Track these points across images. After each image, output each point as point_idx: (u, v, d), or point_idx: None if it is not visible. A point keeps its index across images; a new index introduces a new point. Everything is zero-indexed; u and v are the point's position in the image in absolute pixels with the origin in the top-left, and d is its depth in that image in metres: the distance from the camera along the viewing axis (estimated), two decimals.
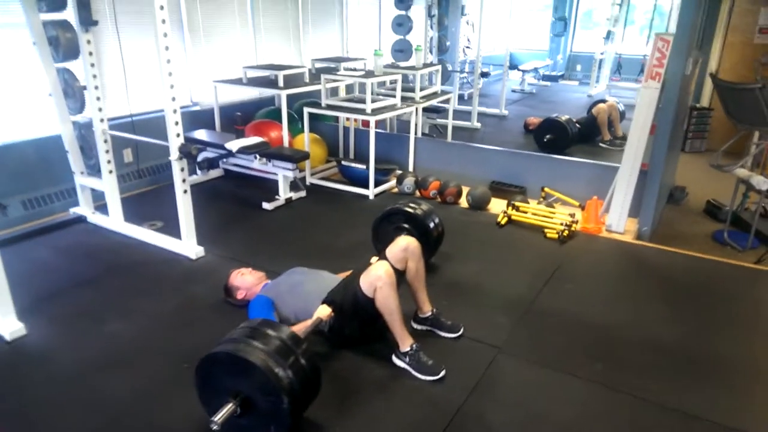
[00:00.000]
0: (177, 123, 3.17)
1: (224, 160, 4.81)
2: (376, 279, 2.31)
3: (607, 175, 4.15)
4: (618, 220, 3.88)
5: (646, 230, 3.86)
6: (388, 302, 2.31)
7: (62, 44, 3.39)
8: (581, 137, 5.94)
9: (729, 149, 4.16)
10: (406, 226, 3.19)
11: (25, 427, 2.11)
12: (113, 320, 2.77)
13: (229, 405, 1.87)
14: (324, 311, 2.38)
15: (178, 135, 3.19)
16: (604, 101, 6.60)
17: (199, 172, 4.94)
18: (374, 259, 2.79)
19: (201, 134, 4.80)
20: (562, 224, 3.83)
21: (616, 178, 3.90)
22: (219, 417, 1.84)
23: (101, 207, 3.98)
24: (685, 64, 3.52)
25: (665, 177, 4.09)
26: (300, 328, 2.25)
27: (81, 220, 3.95)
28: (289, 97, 4.90)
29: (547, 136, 5.74)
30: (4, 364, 2.45)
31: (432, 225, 3.20)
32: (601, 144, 6.13)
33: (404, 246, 2.59)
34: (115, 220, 3.80)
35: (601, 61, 9.49)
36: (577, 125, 5.95)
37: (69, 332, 2.69)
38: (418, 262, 2.61)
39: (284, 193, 4.47)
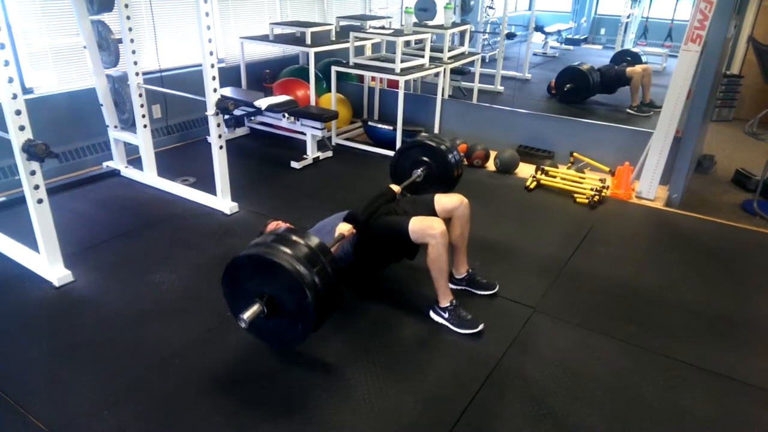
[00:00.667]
0: (214, 78, 3.16)
1: (251, 118, 4.81)
2: (430, 236, 2.31)
3: (637, 141, 4.12)
4: (649, 186, 3.87)
5: (676, 197, 3.85)
6: (439, 261, 2.35)
7: None
8: (603, 87, 5.85)
9: (763, 118, 4.11)
10: (426, 159, 3.13)
11: (83, 362, 2.20)
12: (156, 270, 2.84)
13: (256, 305, 1.93)
14: (345, 227, 2.39)
15: (215, 90, 3.19)
16: (632, 56, 6.44)
17: (225, 129, 4.94)
18: (395, 187, 2.77)
19: (228, 91, 4.79)
20: (592, 189, 3.83)
21: (650, 144, 3.87)
22: (247, 314, 1.90)
23: (133, 161, 4.03)
24: (728, 26, 3.45)
25: (697, 145, 4.06)
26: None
27: (114, 173, 4.00)
28: (315, 56, 4.85)
29: (568, 85, 5.66)
30: (55, 308, 2.55)
31: (453, 161, 3.13)
32: (628, 110, 6.03)
33: (457, 204, 2.59)
34: (149, 175, 3.84)
35: (627, 24, 9.24)
36: (599, 72, 5.87)
37: (114, 280, 2.77)
38: (465, 224, 2.63)
39: (312, 153, 4.49)
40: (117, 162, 4.01)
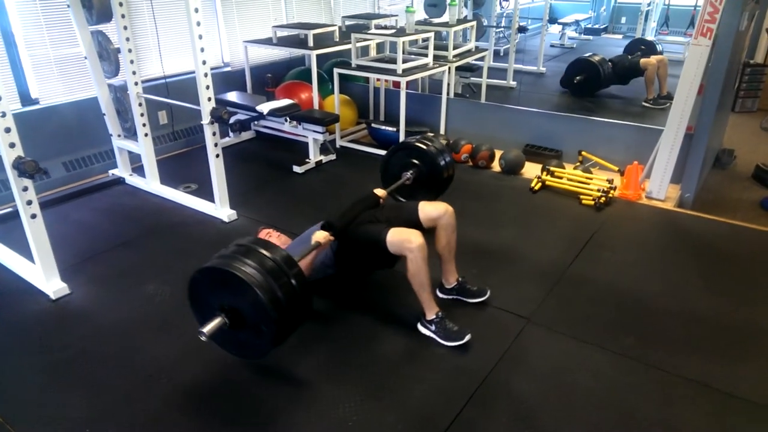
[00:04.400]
0: (208, 87, 3.16)
1: (256, 122, 4.81)
2: (407, 249, 2.26)
3: (649, 139, 3.97)
4: (659, 186, 3.73)
5: (688, 197, 3.70)
6: (419, 274, 2.30)
7: (95, 6, 3.38)
8: (616, 78, 5.65)
9: None
10: (416, 162, 3.03)
11: (72, 378, 2.23)
12: (150, 281, 2.86)
13: (218, 318, 1.89)
14: (321, 235, 2.34)
15: (209, 99, 3.19)
16: (647, 45, 6.22)
17: (231, 134, 4.97)
18: (380, 191, 2.73)
19: (233, 96, 4.80)
20: (598, 190, 3.71)
21: (660, 142, 3.72)
22: (207, 328, 1.86)
23: (137, 169, 4.07)
24: (740, 19, 3.28)
25: (712, 140, 3.89)
26: (302, 258, 2.22)
27: (119, 181, 4.06)
28: (319, 57, 4.82)
29: (578, 77, 5.48)
30: (51, 321, 2.58)
31: (443, 164, 3.02)
32: (644, 103, 5.83)
33: (441, 212, 2.53)
34: (151, 183, 3.88)
35: (648, 12, 8.94)
36: (611, 64, 5.67)
37: (111, 292, 2.80)
38: (451, 233, 2.57)
39: (314, 156, 4.46)
40: (122, 170, 4.06)
